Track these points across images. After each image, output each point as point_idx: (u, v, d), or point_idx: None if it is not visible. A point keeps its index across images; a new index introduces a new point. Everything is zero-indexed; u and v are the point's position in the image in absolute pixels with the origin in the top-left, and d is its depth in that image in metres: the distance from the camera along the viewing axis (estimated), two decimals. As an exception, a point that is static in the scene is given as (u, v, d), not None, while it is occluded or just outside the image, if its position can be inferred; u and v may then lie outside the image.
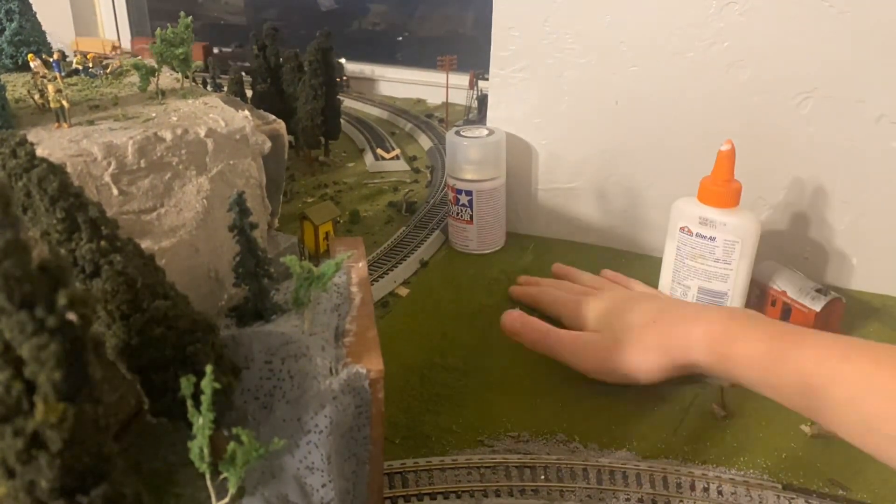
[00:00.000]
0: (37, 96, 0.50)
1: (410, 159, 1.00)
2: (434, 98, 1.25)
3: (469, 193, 0.72)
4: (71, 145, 0.43)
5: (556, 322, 0.58)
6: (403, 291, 0.67)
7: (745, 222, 0.56)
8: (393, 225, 0.80)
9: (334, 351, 0.37)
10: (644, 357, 0.51)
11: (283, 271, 0.44)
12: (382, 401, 0.36)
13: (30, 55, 0.54)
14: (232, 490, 0.29)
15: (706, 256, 0.58)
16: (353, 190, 0.90)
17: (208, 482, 0.30)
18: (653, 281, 0.64)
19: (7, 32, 0.60)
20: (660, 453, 0.48)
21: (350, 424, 0.36)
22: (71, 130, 0.46)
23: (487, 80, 0.78)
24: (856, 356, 0.42)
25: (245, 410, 0.36)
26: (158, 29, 0.54)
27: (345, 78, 1.28)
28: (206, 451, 0.28)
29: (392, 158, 0.99)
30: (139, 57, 0.52)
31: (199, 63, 0.92)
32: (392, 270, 0.69)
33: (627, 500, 0.44)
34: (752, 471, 0.46)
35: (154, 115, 0.49)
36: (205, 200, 0.46)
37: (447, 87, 1.11)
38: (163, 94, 0.54)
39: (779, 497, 0.44)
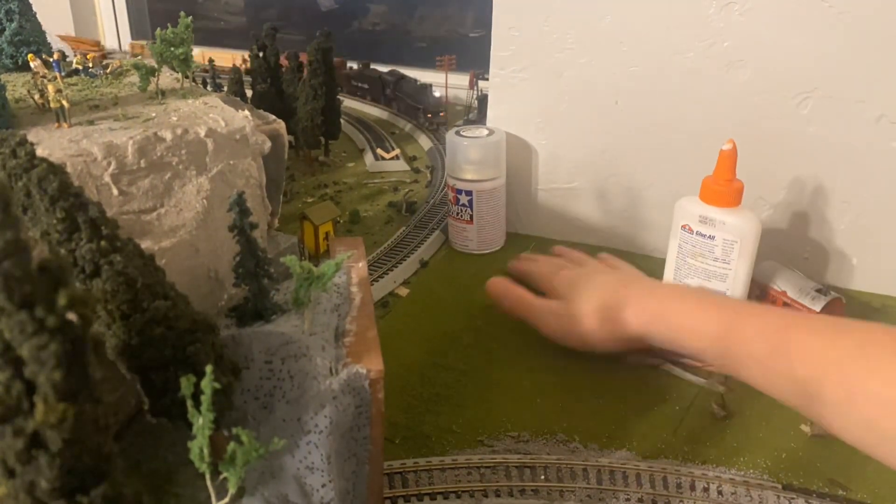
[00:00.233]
0: (37, 96, 0.50)
1: (410, 159, 1.00)
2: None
3: (469, 193, 0.72)
4: (71, 145, 0.43)
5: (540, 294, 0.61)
6: (403, 291, 0.67)
7: (744, 222, 0.56)
8: (393, 225, 0.80)
9: (334, 351, 0.37)
10: (599, 327, 0.54)
11: (283, 271, 0.44)
12: (382, 401, 0.36)
13: (30, 55, 0.54)
14: (232, 490, 0.29)
15: (706, 255, 0.58)
16: (353, 190, 0.90)
17: (208, 482, 0.30)
18: (655, 279, 0.64)
19: (7, 32, 0.60)
20: (660, 453, 0.48)
21: (350, 424, 0.36)
22: (71, 130, 0.46)
23: (487, 80, 0.78)
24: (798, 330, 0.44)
25: (245, 410, 0.36)
26: (159, 29, 0.54)
27: (441, 115, 1.08)
28: (206, 451, 0.28)
29: (392, 158, 0.99)
30: (138, 57, 0.52)
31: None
32: (392, 270, 0.69)
33: (627, 500, 0.44)
34: (752, 471, 0.46)
35: (154, 115, 0.49)
36: (205, 200, 0.46)
37: (446, 87, 1.11)
38: (163, 94, 0.54)
39: (779, 497, 0.44)
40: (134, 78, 0.58)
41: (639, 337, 0.52)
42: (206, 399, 0.27)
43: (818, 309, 0.56)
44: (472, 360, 0.57)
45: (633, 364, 0.57)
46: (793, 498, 0.44)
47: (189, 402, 0.27)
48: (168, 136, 0.45)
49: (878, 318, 0.63)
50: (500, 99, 0.75)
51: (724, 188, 0.56)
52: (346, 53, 1.29)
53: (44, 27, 0.63)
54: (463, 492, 0.44)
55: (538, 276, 0.64)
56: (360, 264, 0.45)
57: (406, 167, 0.97)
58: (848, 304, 0.59)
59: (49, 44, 0.63)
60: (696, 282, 0.59)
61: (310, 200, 0.86)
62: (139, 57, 0.58)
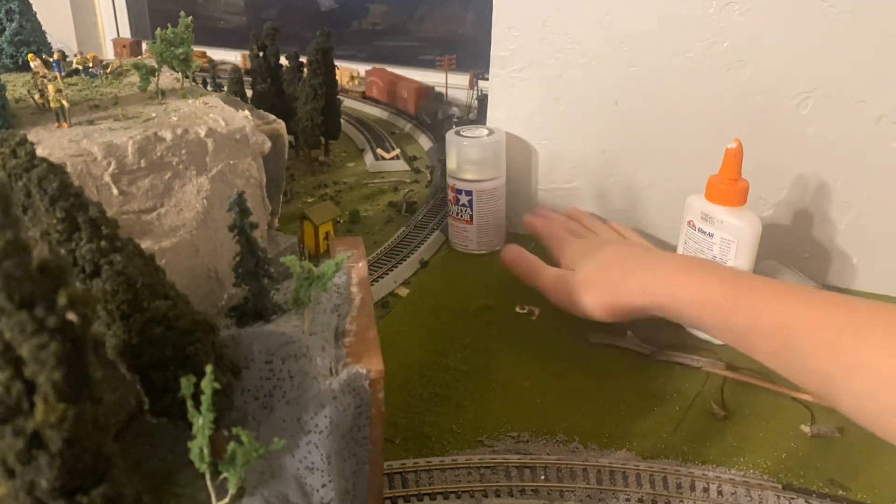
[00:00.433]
0: (37, 96, 0.50)
1: (410, 159, 1.00)
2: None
3: (469, 193, 0.72)
4: (71, 145, 0.43)
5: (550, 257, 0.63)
6: (403, 291, 0.67)
7: (741, 222, 0.55)
8: (393, 225, 0.80)
9: (334, 351, 0.37)
10: (600, 297, 0.54)
11: (283, 271, 0.44)
12: (382, 401, 0.36)
13: (30, 55, 0.54)
14: (232, 490, 0.29)
15: (705, 252, 0.58)
16: (353, 190, 0.90)
17: (208, 482, 0.30)
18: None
19: (7, 32, 0.60)
20: (660, 453, 0.48)
21: (350, 424, 0.36)
22: (71, 130, 0.46)
23: (487, 80, 0.78)
24: (817, 303, 0.44)
25: (245, 410, 0.36)
26: (159, 29, 0.54)
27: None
28: (206, 451, 0.28)
29: (392, 158, 0.99)
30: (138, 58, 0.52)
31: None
32: (392, 270, 0.69)
33: (627, 500, 0.44)
34: (752, 471, 0.46)
35: (154, 114, 0.49)
36: (205, 200, 0.46)
37: (447, 87, 1.11)
38: (163, 94, 0.54)
39: (779, 497, 0.44)
40: (134, 78, 0.58)
41: (642, 308, 0.52)
42: (206, 399, 0.27)
43: (818, 309, 0.56)
44: (472, 360, 0.57)
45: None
46: (793, 498, 0.44)
47: (189, 402, 0.27)
48: (168, 136, 0.45)
49: (878, 318, 0.63)
50: (500, 99, 0.75)
51: (729, 187, 0.56)
52: (346, 53, 1.29)
53: (44, 27, 0.63)
54: (463, 492, 0.44)
55: (547, 238, 0.65)
56: (360, 264, 0.45)
57: (406, 167, 0.97)
58: (848, 304, 0.58)
59: (49, 44, 0.63)
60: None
61: (310, 200, 0.86)
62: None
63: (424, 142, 1.06)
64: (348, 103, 1.20)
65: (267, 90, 0.94)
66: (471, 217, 0.73)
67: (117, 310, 0.33)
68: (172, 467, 0.38)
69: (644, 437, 0.49)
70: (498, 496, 0.44)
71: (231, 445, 0.28)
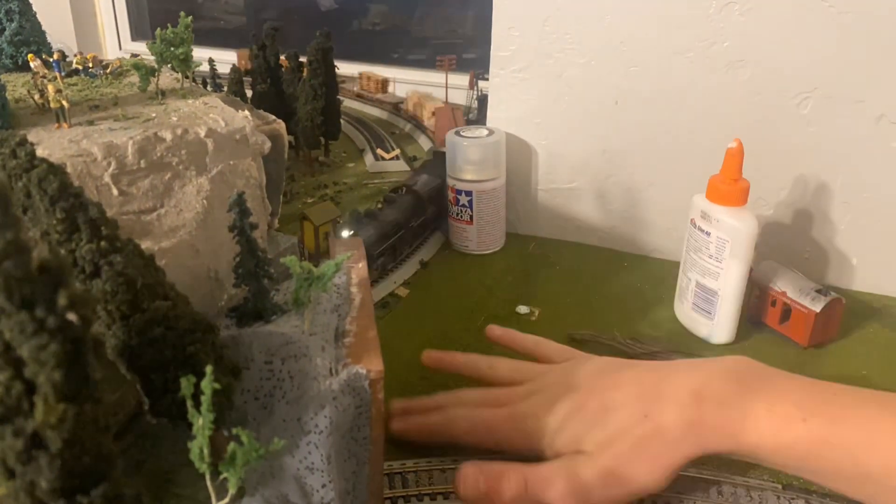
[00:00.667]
0: (37, 96, 0.50)
1: (410, 159, 1.00)
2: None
3: (469, 194, 0.72)
4: (71, 145, 0.43)
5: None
6: (403, 292, 0.67)
7: (737, 222, 0.55)
8: (393, 225, 0.79)
9: (334, 351, 0.37)
10: (654, 466, 0.40)
11: (283, 271, 0.44)
12: (382, 401, 0.36)
13: (30, 55, 0.53)
14: (232, 490, 0.29)
15: (702, 251, 0.58)
16: (353, 190, 0.90)
17: (208, 482, 0.30)
18: (655, 280, 0.64)
19: (7, 32, 0.60)
20: (660, 453, 0.48)
21: (350, 425, 0.36)
22: (71, 130, 0.46)
23: (487, 80, 0.78)
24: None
25: (245, 411, 0.36)
26: (159, 29, 0.54)
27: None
28: (206, 451, 0.28)
29: (392, 158, 0.99)
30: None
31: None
32: (392, 271, 0.69)
33: (627, 500, 0.44)
34: (752, 471, 0.46)
35: (154, 115, 0.49)
36: (205, 201, 0.46)
37: (447, 87, 1.11)
38: (163, 94, 0.54)
39: (779, 497, 0.44)
40: (134, 78, 0.58)
41: (694, 456, 0.41)
42: (206, 399, 0.27)
43: (818, 309, 0.56)
44: (472, 361, 0.57)
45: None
46: (793, 498, 0.44)
47: (189, 403, 0.27)
48: (168, 136, 0.45)
49: (878, 319, 0.63)
50: (500, 99, 0.75)
51: (729, 187, 0.56)
52: (346, 53, 1.29)
53: (44, 27, 0.63)
54: (463, 492, 0.44)
55: (469, 430, 0.45)
56: (360, 264, 0.45)
57: (406, 167, 0.97)
58: (848, 304, 0.59)
59: (49, 44, 0.63)
60: (694, 277, 0.59)
61: (310, 200, 0.86)
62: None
63: (424, 142, 1.06)
64: (348, 103, 1.20)
65: (267, 90, 0.94)
66: (471, 217, 0.73)
67: (117, 310, 0.33)
68: (172, 467, 0.38)
69: (644, 438, 0.49)
70: (498, 496, 0.44)
71: (231, 445, 0.28)
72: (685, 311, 0.62)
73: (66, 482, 0.23)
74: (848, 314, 0.59)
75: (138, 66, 0.54)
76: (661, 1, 0.64)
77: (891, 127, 0.61)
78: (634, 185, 0.72)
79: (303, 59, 0.93)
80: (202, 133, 0.46)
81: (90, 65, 0.58)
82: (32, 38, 0.61)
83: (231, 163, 0.48)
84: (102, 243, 0.33)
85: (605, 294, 0.67)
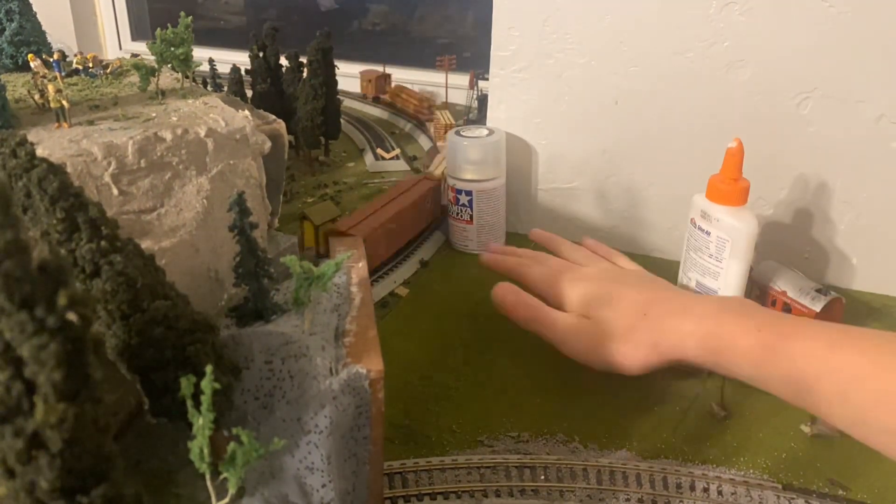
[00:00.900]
0: (37, 96, 0.50)
1: (410, 159, 1.00)
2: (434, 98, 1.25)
3: (469, 193, 0.72)
4: (71, 145, 0.43)
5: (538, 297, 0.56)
6: (403, 291, 0.67)
7: (737, 221, 0.55)
8: (393, 225, 0.79)
9: (334, 351, 0.37)
10: (634, 352, 0.49)
11: (283, 271, 0.44)
12: (382, 401, 0.36)
13: (30, 55, 0.54)
14: (232, 490, 0.29)
15: (702, 250, 0.58)
16: (353, 190, 0.90)
17: (208, 482, 0.30)
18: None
19: (7, 32, 0.60)
20: (660, 453, 0.48)
21: (350, 424, 0.36)
22: (71, 130, 0.46)
23: (487, 80, 0.78)
24: (842, 347, 0.42)
25: (245, 410, 0.36)
26: (159, 29, 0.54)
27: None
28: (206, 451, 0.28)
29: (392, 158, 0.99)
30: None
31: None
32: (392, 270, 0.69)
33: (627, 500, 0.44)
34: (752, 471, 0.46)
35: (154, 115, 0.49)
36: (205, 200, 0.46)
37: (447, 87, 1.11)
38: (163, 94, 0.54)
39: (779, 497, 0.44)
40: (134, 78, 0.58)
41: (678, 361, 0.49)
42: (206, 399, 0.27)
43: (818, 309, 0.56)
44: (472, 360, 0.57)
45: None
46: (793, 498, 0.44)
47: (189, 402, 0.27)
48: (168, 136, 0.45)
49: (878, 318, 0.63)
50: (500, 99, 0.75)
51: (729, 187, 0.56)
52: (346, 53, 1.29)
53: (44, 27, 0.63)
54: (463, 492, 0.44)
55: (529, 278, 0.58)
56: (360, 264, 0.45)
57: (406, 167, 0.97)
58: (848, 304, 0.59)
59: (49, 44, 0.63)
60: (694, 276, 0.59)
61: (310, 200, 0.86)
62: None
63: (424, 142, 1.06)
64: (348, 103, 1.20)
65: (267, 90, 0.94)
66: (471, 217, 0.73)
67: (117, 310, 0.33)
68: (172, 467, 0.38)
69: (644, 437, 0.49)
70: (498, 496, 0.44)
71: (231, 445, 0.28)
72: (685, 311, 0.61)
73: (66, 482, 0.23)
74: (848, 314, 0.59)
75: (138, 66, 0.54)
76: (661, 1, 0.64)
77: (891, 127, 0.61)
78: (634, 185, 0.72)
79: (303, 59, 0.93)
80: (202, 133, 0.46)
81: (90, 65, 0.58)
82: (32, 38, 0.61)
83: (231, 162, 0.48)
84: (102, 243, 0.33)
85: (605, 294, 0.67)
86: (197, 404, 0.27)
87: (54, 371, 0.21)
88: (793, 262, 0.63)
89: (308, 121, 0.91)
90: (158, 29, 0.54)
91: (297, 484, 0.34)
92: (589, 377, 0.55)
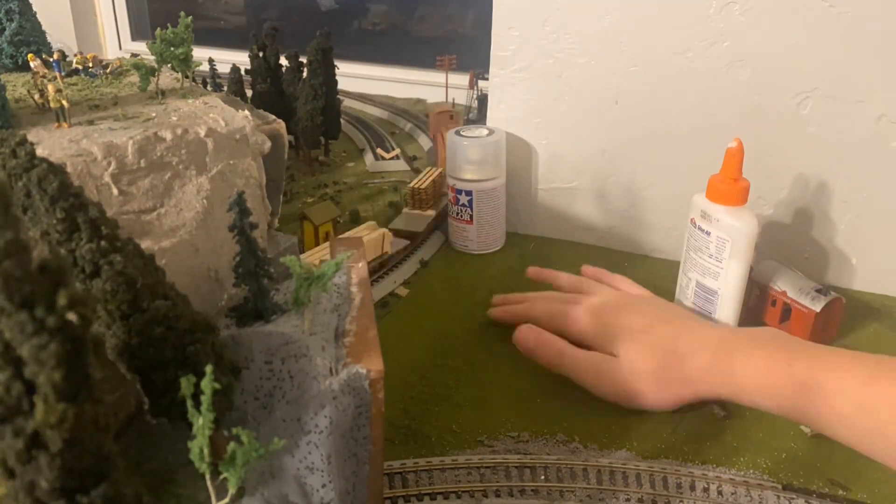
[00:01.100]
0: (37, 96, 0.50)
1: (410, 159, 1.00)
2: (434, 98, 1.25)
3: (469, 193, 0.72)
4: (71, 145, 0.43)
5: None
6: (403, 291, 0.67)
7: (737, 222, 0.55)
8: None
9: (334, 351, 0.37)
10: (665, 393, 0.50)
11: (283, 271, 0.44)
12: (382, 401, 0.36)
13: (30, 55, 0.53)
14: (232, 490, 0.29)
15: (702, 250, 0.58)
16: (353, 190, 0.90)
17: (208, 482, 0.30)
18: (654, 281, 0.64)
19: (7, 32, 0.60)
20: (660, 453, 0.48)
21: (350, 424, 0.36)
22: (71, 130, 0.46)
23: (487, 80, 0.78)
24: (879, 381, 0.43)
25: (245, 410, 0.36)
26: (159, 29, 0.54)
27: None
28: (206, 451, 0.28)
29: (392, 158, 0.99)
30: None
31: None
32: (392, 271, 0.69)
33: (627, 500, 0.44)
34: (752, 471, 0.46)
35: (154, 114, 0.49)
36: (205, 200, 0.46)
37: (447, 87, 1.11)
38: (163, 94, 0.54)
39: (779, 497, 0.44)
40: (134, 78, 0.58)
41: (707, 399, 0.50)
42: (206, 399, 0.27)
43: (818, 309, 0.56)
44: (472, 360, 0.57)
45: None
46: (793, 498, 0.44)
47: (189, 402, 0.27)
48: (168, 136, 0.45)
49: (878, 318, 0.63)
50: (500, 99, 0.75)
51: (729, 187, 0.56)
52: (346, 53, 1.29)
53: (44, 27, 0.63)
54: (463, 492, 0.44)
55: (540, 318, 0.58)
56: (360, 264, 0.45)
57: (406, 167, 0.97)
58: (848, 304, 0.59)
59: (49, 44, 0.63)
60: (694, 276, 0.59)
61: (310, 200, 0.86)
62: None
63: (424, 141, 1.06)
64: (348, 103, 1.20)
65: (267, 90, 0.94)
66: (471, 217, 0.73)
67: (117, 310, 0.33)
68: (172, 467, 0.38)
69: (644, 437, 0.49)
70: (498, 496, 0.44)
71: (231, 445, 0.28)
72: (685, 311, 0.61)
73: (66, 482, 0.23)
74: (848, 314, 0.59)
75: (138, 66, 0.54)
76: (661, 1, 0.64)
77: (891, 127, 0.61)
78: (634, 184, 0.72)
79: (303, 59, 0.93)
80: (202, 133, 0.46)
81: (90, 65, 0.58)
82: (32, 38, 0.61)
83: (231, 162, 0.48)
84: (102, 243, 0.33)
85: (605, 294, 0.67)
86: (197, 404, 0.27)
87: (54, 371, 0.21)
88: (793, 262, 0.63)
89: (308, 121, 0.91)
90: (158, 29, 0.54)
91: (297, 484, 0.34)
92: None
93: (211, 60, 1.02)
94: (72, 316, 0.22)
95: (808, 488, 0.45)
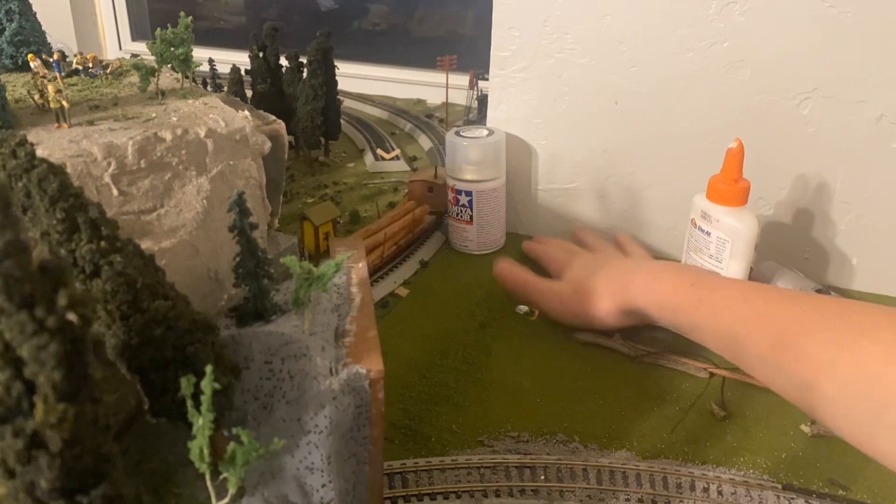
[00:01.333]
0: (37, 96, 0.50)
1: (410, 159, 1.00)
2: (434, 98, 1.25)
3: (469, 194, 0.72)
4: (71, 145, 0.43)
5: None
6: (403, 292, 0.67)
7: (737, 222, 0.55)
8: (393, 225, 0.79)
9: (334, 351, 0.37)
10: (605, 304, 0.56)
11: (283, 271, 0.44)
12: (382, 401, 0.36)
13: (30, 55, 0.53)
14: (232, 490, 0.29)
15: (703, 251, 0.58)
16: (353, 190, 0.90)
17: (208, 482, 0.30)
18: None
19: (7, 32, 0.60)
20: (660, 453, 0.48)
21: (350, 424, 0.36)
22: (71, 130, 0.46)
23: (487, 80, 0.78)
24: (756, 298, 0.46)
25: (245, 410, 0.36)
26: (159, 29, 0.54)
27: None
28: (206, 451, 0.28)
29: (392, 158, 0.99)
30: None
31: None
32: (392, 271, 0.69)
33: (627, 500, 0.44)
34: (752, 471, 0.46)
35: (154, 115, 0.49)
36: (205, 201, 0.46)
37: (447, 87, 1.11)
38: (163, 94, 0.54)
39: (779, 497, 0.44)
40: (134, 78, 0.58)
41: (639, 313, 0.54)
42: (206, 399, 0.27)
43: (818, 309, 0.56)
44: (472, 360, 0.57)
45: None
46: (793, 498, 0.44)
47: (189, 402, 0.27)
48: (168, 136, 0.45)
49: (878, 318, 0.63)
50: (500, 99, 0.75)
51: (729, 187, 0.56)
52: (346, 53, 1.29)
53: (44, 27, 0.63)
54: (463, 492, 0.44)
55: (545, 260, 0.68)
56: (360, 264, 0.45)
57: (406, 167, 0.97)
58: (848, 304, 0.58)
59: (49, 44, 0.63)
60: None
61: (310, 200, 0.86)
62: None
63: (424, 141, 1.06)
64: (348, 103, 1.20)
65: (267, 90, 0.94)
66: (471, 217, 0.73)
67: (117, 310, 0.33)
68: (172, 467, 0.38)
69: (644, 437, 0.49)
70: (498, 496, 0.44)
71: (231, 445, 0.28)
72: (685, 311, 0.61)
73: (66, 482, 0.23)
74: (848, 314, 0.59)
75: (138, 66, 0.54)
76: (660, 1, 0.64)
77: (891, 127, 0.61)
78: (634, 185, 0.72)
79: (303, 59, 0.93)
80: (202, 133, 0.46)
81: (90, 65, 0.58)
82: (32, 38, 0.61)
83: (231, 163, 0.48)
84: (102, 243, 0.33)
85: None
86: (197, 404, 0.27)
87: (54, 371, 0.21)
88: (793, 262, 0.63)
89: (308, 121, 0.91)
90: (158, 29, 0.54)
91: (297, 484, 0.34)
92: (589, 377, 0.55)
93: (211, 61, 1.02)
94: (72, 316, 0.22)
95: (808, 488, 0.45)
